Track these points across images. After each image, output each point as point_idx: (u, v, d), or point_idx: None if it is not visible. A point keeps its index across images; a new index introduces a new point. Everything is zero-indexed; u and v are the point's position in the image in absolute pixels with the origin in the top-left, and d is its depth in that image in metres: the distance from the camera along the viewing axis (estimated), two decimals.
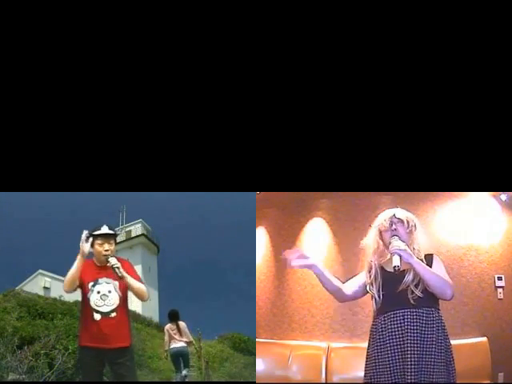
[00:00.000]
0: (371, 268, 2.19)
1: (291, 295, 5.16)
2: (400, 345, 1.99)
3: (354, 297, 2.25)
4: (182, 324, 5.34)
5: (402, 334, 1.99)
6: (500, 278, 4.25)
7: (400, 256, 2.02)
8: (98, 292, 2.29)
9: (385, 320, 2.06)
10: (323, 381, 4.39)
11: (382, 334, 2.06)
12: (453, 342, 4.34)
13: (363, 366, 2.27)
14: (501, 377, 3.97)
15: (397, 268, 2.01)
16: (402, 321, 2.01)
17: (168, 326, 5.36)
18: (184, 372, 5.23)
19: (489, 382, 3.88)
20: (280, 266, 5.34)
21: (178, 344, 5.24)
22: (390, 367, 2.00)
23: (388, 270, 2.14)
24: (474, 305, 4.25)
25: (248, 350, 9.87)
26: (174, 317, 5.38)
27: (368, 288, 2.17)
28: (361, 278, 2.24)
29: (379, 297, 2.11)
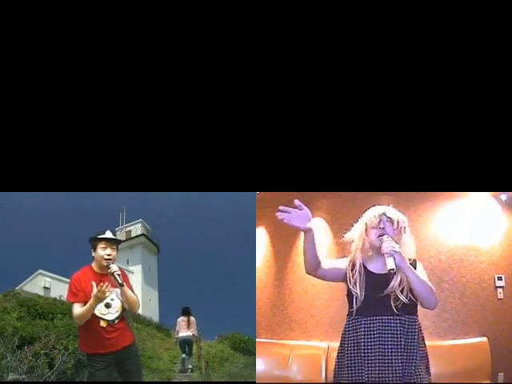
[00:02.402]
0: (354, 265, 2.06)
1: (291, 295, 5.16)
2: (381, 352, 1.91)
3: (325, 276, 2.10)
4: (192, 319, 6.61)
5: (385, 341, 1.91)
6: (500, 278, 4.25)
7: (394, 258, 1.89)
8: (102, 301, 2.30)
9: (366, 324, 1.96)
10: (323, 381, 4.39)
11: (363, 339, 1.95)
12: (453, 342, 4.36)
13: None
14: (501, 377, 3.97)
15: (392, 271, 1.89)
16: (384, 328, 1.92)
17: (180, 319, 6.62)
18: (184, 355, 6.56)
19: (489, 382, 3.88)
20: (280, 266, 5.34)
21: (186, 333, 6.51)
22: (368, 373, 1.91)
23: (371, 270, 2.04)
24: (474, 305, 4.25)
25: (248, 349, 9.86)
26: (186, 312, 6.69)
27: (350, 286, 2.04)
28: (342, 265, 2.11)
29: (361, 297, 1.99)
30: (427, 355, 2.02)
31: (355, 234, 2.14)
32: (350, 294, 2.07)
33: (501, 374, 3.97)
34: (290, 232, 5.34)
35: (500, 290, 4.24)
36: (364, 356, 1.94)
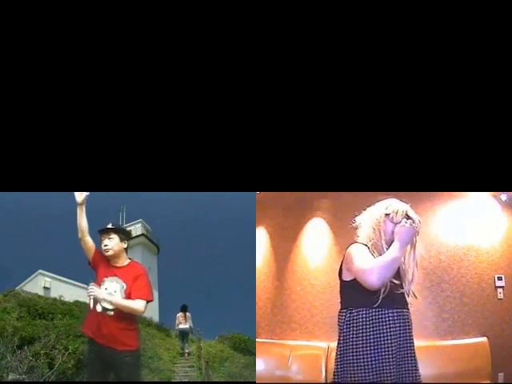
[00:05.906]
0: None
1: (291, 295, 5.16)
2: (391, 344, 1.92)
3: None
4: (187, 314, 8.45)
5: (398, 333, 1.94)
6: (500, 278, 4.26)
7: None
8: (106, 288, 2.35)
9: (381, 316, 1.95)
10: (323, 381, 4.39)
11: (378, 331, 1.93)
12: (453, 342, 4.36)
13: None
14: (501, 377, 3.97)
15: None
16: (394, 320, 1.95)
17: (179, 314, 8.45)
18: (186, 346, 8.41)
19: (489, 382, 3.88)
20: (280, 266, 5.35)
21: (183, 326, 8.33)
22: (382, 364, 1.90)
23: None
24: (474, 305, 4.26)
25: (248, 349, 9.86)
26: (184, 309, 8.51)
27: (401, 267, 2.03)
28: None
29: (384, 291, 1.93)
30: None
31: (367, 222, 2.13)
32: (351, 287, 2.01)
33: (501, 374, 3.97)
34: (290, 232, 5.34)
35: (500, 290, 4.24)
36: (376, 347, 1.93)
